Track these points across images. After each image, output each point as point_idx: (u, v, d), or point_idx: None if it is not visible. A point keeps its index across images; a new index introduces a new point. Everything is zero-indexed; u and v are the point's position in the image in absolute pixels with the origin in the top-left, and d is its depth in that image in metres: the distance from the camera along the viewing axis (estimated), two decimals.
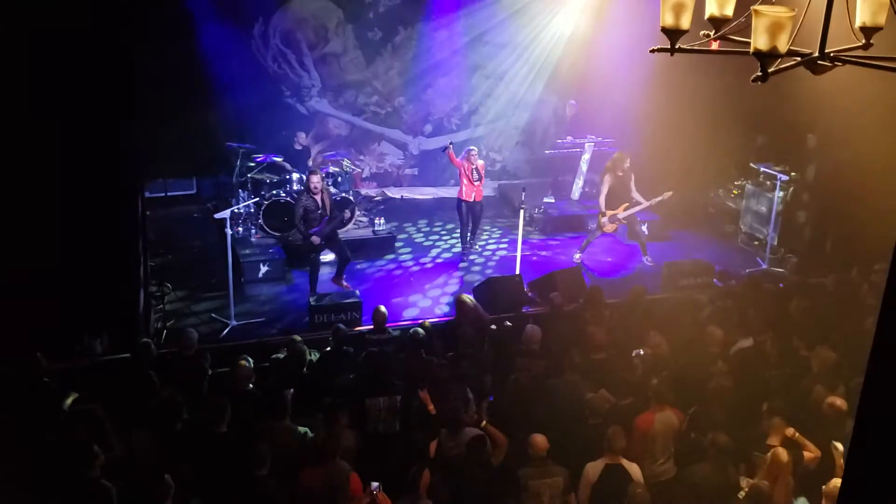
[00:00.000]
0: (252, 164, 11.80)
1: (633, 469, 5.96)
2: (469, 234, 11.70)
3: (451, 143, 11.63)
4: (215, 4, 11.85)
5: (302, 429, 6.28)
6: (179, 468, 5.55)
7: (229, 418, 6.07)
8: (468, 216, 11.55)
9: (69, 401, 6.44)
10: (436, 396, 6.72)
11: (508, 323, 8.47)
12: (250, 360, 7.02)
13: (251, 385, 6.78)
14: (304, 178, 11.28)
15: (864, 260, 9.59)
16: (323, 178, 10.33)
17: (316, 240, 9.81)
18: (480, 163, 11.48)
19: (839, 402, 6.25)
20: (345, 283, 10.12)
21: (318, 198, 9.89)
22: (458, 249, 11.82)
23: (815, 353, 7.20)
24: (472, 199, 11.39)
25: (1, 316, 7.44)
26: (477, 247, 11.88)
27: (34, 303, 7.67)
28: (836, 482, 5.35)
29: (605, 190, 11.24)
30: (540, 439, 5.91)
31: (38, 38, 7.25)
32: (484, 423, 6.41)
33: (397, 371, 7.07)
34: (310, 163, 12.36)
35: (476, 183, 11.32)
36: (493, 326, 8.25)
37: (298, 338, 7.51)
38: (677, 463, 6.37)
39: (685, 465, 6.19)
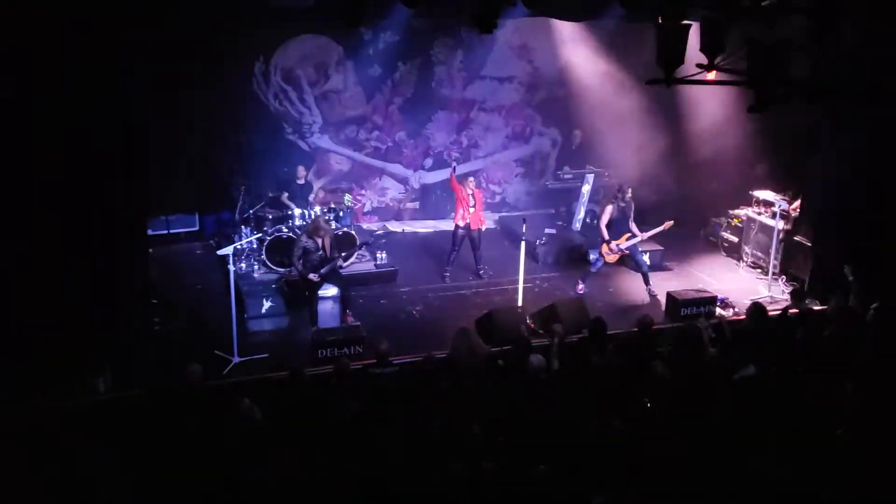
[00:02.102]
0: (254, 201, 11.86)
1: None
2: (474, 263, 12.03)
3: (455, 164, 12.50)
4: (217, 42, 11.98)
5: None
6: None
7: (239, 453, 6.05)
8: (462, 242, 11.81)
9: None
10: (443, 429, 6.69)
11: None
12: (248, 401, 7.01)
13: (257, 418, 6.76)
14: (308, 217, 11.40)
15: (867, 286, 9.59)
16: (328, 222, 10.41)
17: (314, 277, 9.87)
18: (478, 190, 11.78)
19: None
20: (350, 319, 10.13)
21: (319, 241, 9.98)
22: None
23: (810, 382, 7.18)
24: (465, 225, 11.63)
25: (3, 354, 7.46)
26: (483, 273, 12.03)
27: (36, 341, 7.69)
28: None
29: (605, 220, 11.27)
30: None
31: (41, 74, 7.33)
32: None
33: (401, 402, 7.03)
34: (311, 198, 12.44)
35: (471, 210, 11.56)
36: (500, 361, 8.21)
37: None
38: None
39: None
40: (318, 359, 8.99)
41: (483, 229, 11.98)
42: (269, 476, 5.79)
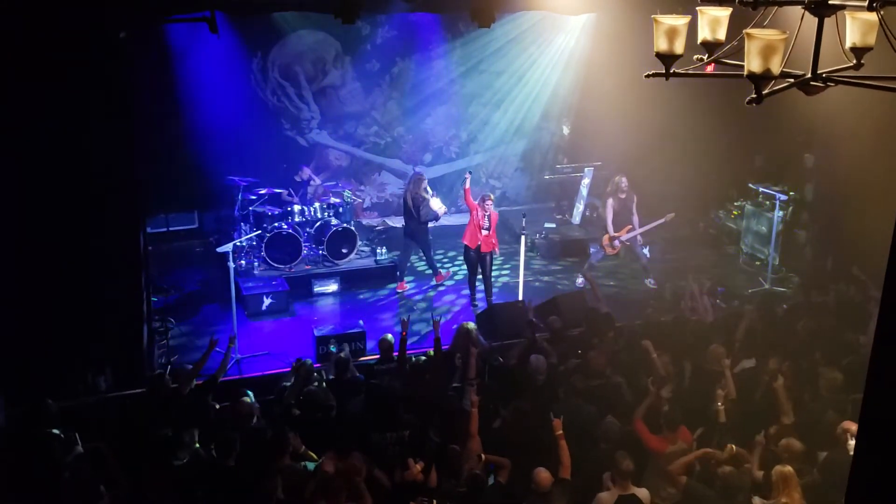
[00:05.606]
0: (253, 198, 11.88)
1: (644, 495, 5.92)
2: (481, 287, 10.70)
3: (469, 173, 10.92)
4: (214, 40, 11.94)
5: (303, 463, 6.23)
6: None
7: (237, 452, 6.03)
8: (477, 265, 10.60)
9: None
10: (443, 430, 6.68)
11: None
12: (251, 394, 7.00)
13: (255, 419, 6.75)
14: (307, 213, 11.75)
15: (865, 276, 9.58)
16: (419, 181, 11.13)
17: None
18: (494, 212, 10.59)
19: (854, 427, 6.12)
20: (444, 272, 11.47)
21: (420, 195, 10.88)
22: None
23: (822, 375, 7.16)
24: (476, 248, 10.44)
25: (3, 355, 7.45)
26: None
27: (37, 341, 7.69)
28: None
29: (610, 214, 11.28)
30: (543, 475, 5.81)
31: (37, 74, 7.30)
32: (483, 457, 6.33)
33: (405, 403, 6.99)
34: (310, 193, 12.47)
35: (484, 232, 10.44)
36: (500, 359, 8.20)
37: (309, 361, 7.49)
38: (686, 487, 6.32)
39: (694, 490, 6.16)
40: (320, 355, 8.99)
41: (496, 253, 10.87)
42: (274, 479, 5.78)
